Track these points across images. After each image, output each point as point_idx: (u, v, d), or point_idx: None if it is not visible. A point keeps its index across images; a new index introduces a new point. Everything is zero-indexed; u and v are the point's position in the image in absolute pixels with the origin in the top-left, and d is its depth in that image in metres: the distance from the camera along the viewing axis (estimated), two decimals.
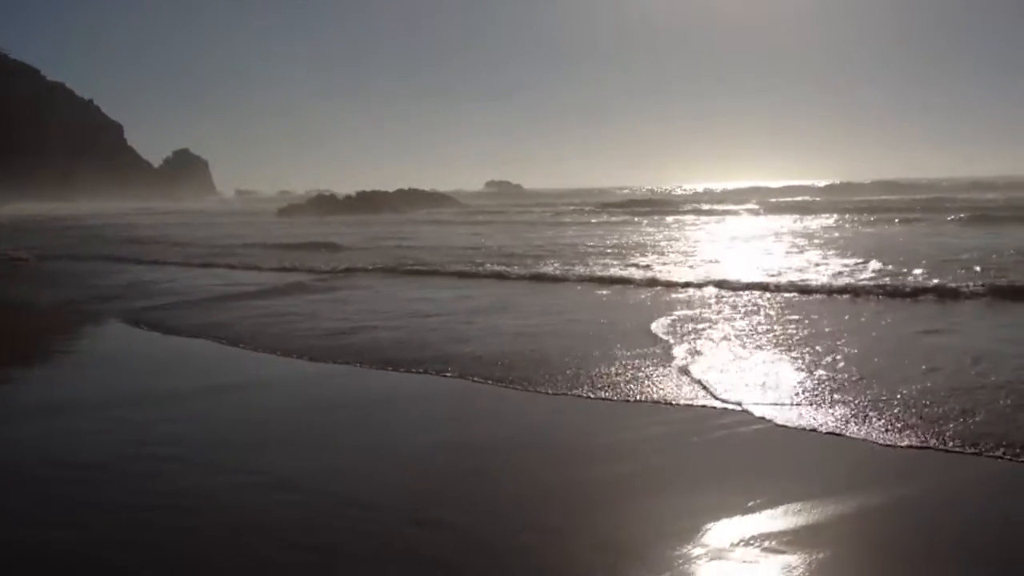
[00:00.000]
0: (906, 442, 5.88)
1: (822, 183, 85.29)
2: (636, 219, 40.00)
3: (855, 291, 12.96)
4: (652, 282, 14.79)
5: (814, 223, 32.61)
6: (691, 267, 16.94)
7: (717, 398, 7.09)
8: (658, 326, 10.40)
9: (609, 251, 21.69)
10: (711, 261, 18.39)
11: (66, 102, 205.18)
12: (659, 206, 51.18)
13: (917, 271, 15.22)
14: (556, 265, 17.71)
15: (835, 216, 36.85)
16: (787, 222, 34.30)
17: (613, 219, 41.28)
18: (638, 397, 7.28)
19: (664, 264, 17.83)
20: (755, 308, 11.80)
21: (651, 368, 8.18)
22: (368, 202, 66.17)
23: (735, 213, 44.35)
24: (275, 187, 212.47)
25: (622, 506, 5.02)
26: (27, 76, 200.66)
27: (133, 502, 5.00)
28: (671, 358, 8.57)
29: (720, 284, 14.16)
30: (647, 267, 17.04)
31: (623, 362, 8.44)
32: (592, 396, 7.33)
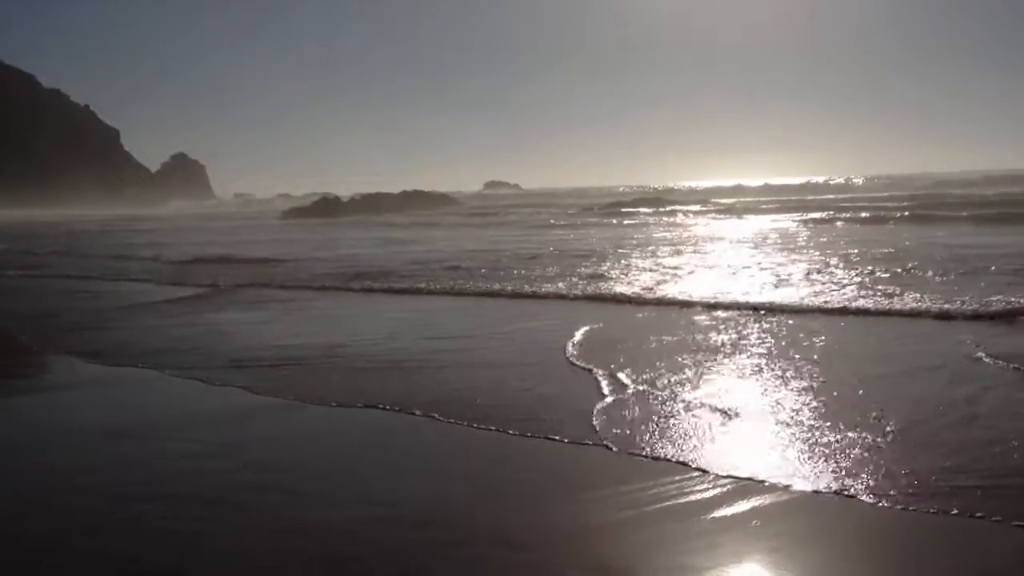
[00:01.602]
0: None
1: (821, 179, 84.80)
2: (617, 221, 37.36)
3: (856, 310, 9.79)
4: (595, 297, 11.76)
5: (810, 223, 29.01)
6: (658, 278, 13.81)
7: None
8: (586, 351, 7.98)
9: (558, 256, 18.58)
10: (682, 270, 14.78)
11: (62, 108, 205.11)
12: (654, 204, 49.83)
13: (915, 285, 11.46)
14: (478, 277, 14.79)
15: (840, 213, 34.70)
16: (788, 222, 31.36)
17: (594, 219, 38.65)
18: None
19: (623, 273, 14.52)
20: (722, 328, 9.07)
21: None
22: (372, 204, 65.92)
23: (731, 212, 41.98)
24: (273, 190, 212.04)
25: None
26: (23, 82, 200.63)
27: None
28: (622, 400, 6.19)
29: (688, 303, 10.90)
30: (594, 277, 14.01)
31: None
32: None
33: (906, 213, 30.89)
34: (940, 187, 56.84)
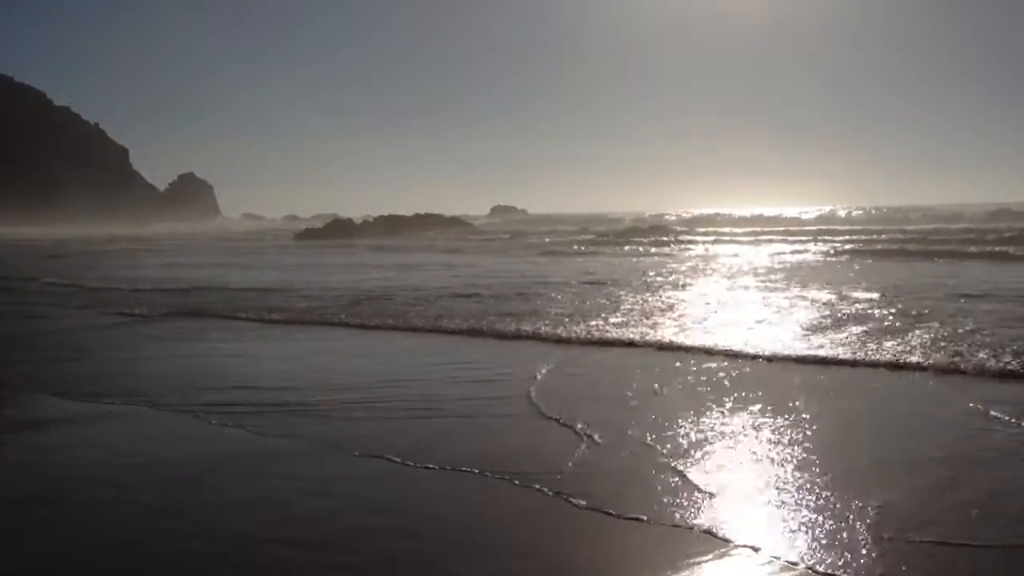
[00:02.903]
0: None
1: (827, 209, 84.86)
2: (644, 248, 36.97)
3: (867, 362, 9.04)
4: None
5: (814, 255, 28.77)
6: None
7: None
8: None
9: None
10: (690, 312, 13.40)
11: (73, 126, 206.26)
12: (660, 233, 50.30)
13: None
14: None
15: (848, 245, 34.69)
16: (796, 253, 30.35)
17: (613, 247, 38.49)
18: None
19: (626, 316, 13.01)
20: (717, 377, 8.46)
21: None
22: (385, 225, 66.47)
23: (734, 241, 42.23)
24: (280, 211, 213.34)
25: None
26: (33, 99, 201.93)
27: None
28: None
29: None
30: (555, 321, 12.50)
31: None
32: None
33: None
34: (954, 221, 56.33)
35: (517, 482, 5.40)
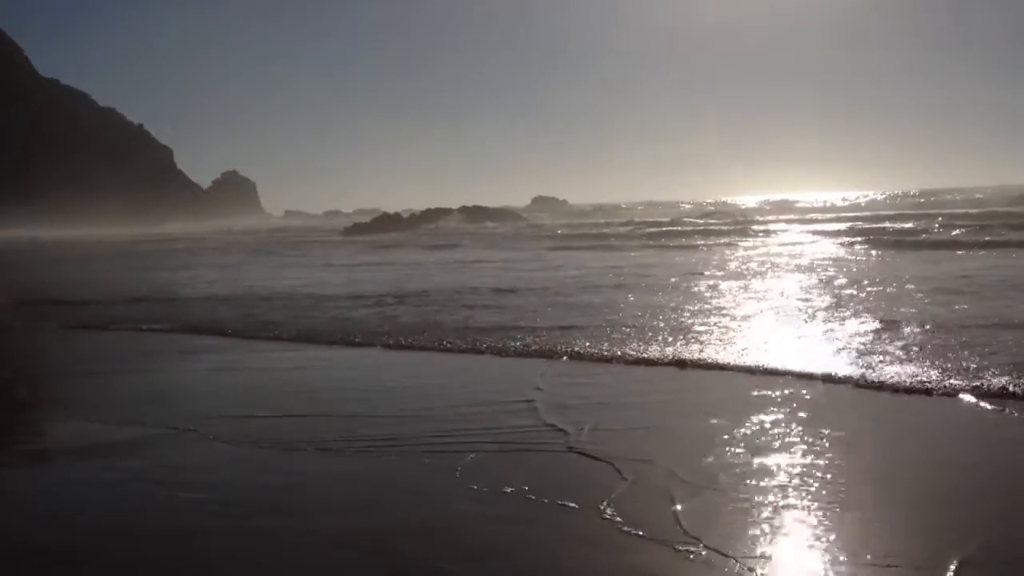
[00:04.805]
0: None
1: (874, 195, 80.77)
2: (704, 242, 32.00)
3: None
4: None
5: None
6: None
7: None
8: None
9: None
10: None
11: (117, 127, 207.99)
12: (739, 223, 46.47)
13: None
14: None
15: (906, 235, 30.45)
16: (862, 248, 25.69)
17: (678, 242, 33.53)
18: None
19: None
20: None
21: None
22: (432, 219, 64.49)
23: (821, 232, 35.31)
24: (321, 206, 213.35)
25: None
26: (78, 101, 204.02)
27: None
28: None
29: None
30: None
31: None
32: None
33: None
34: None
35: None
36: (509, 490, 4.91)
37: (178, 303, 16.32)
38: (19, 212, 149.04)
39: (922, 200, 69.97)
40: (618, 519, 4.40)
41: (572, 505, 4.63)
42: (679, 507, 4.54)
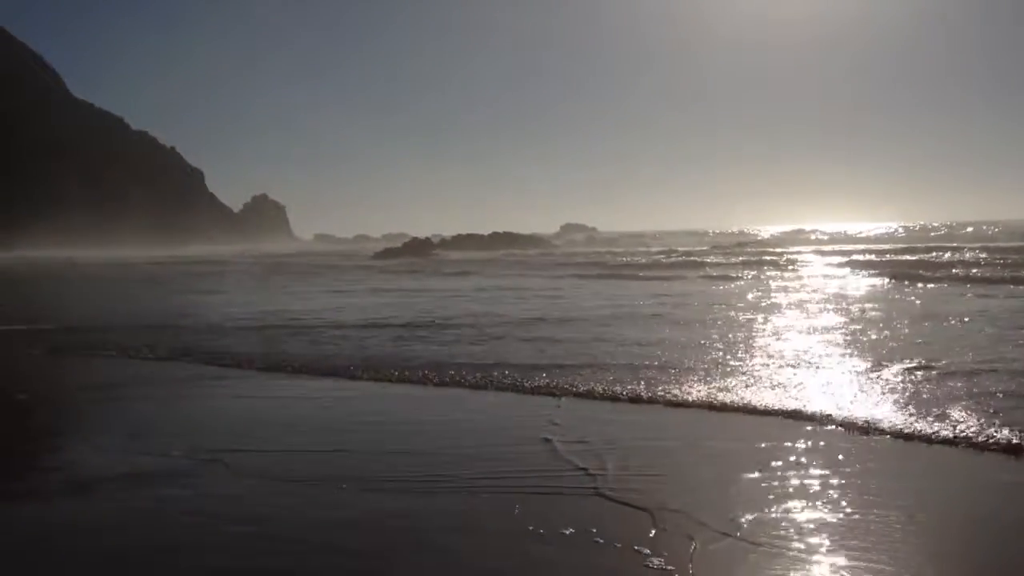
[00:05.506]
0: None
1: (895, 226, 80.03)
2: (738, 273, 31.00)
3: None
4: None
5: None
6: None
7: None
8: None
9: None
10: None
11: (150, 150, 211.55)
12: (764, 252, 46.44)
13: None
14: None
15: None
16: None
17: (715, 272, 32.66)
18: None
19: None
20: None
21: None
22: (462, 243, 64.89)
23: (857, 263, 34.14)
24: (350, 230, 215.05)
25: None
26: (113, 124, 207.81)
27: None
28: None
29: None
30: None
31: None
32: None
33: None
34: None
35: None
36: (569, 531, 4.78)
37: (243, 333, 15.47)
38: (53, 231, 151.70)
39: (943, 232, 69.32)
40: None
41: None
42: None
